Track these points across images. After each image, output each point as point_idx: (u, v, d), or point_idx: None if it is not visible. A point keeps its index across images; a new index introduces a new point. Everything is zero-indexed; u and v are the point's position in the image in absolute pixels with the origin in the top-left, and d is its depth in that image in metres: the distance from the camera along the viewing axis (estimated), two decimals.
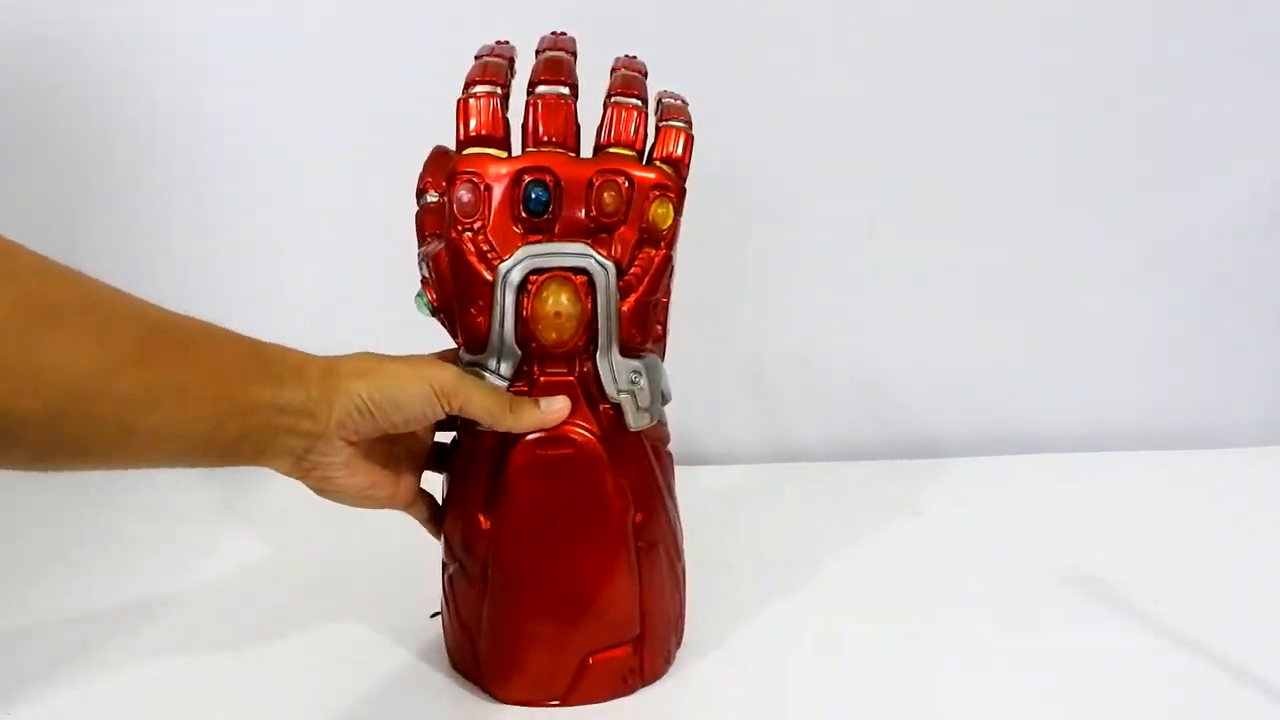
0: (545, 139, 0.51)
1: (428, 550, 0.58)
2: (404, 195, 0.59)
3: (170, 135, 0.85)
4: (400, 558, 0.56)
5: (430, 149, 0.59)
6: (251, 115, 0.85)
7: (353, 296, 0.87)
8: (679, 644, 0.59)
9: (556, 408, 0.52)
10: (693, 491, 0.60)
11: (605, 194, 0.51)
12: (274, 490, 0.81)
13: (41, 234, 0.81)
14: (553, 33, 0.56)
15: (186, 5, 0.82)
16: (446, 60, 0.55)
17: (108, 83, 0.83)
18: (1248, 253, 0.92)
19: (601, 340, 0.52)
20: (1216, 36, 0.86)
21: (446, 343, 0.56)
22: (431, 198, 0.57)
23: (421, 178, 0.58)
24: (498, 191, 0.51)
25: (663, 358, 0.56)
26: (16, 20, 0.81)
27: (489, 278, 0.51)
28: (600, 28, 0.57)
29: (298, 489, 0.52)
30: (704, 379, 0.90)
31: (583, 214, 0.52)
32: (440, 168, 0.57)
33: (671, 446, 0.57)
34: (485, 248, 0.51)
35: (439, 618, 0.60)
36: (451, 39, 0.56)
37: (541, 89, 0.52)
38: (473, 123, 0.51)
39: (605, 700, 0.56)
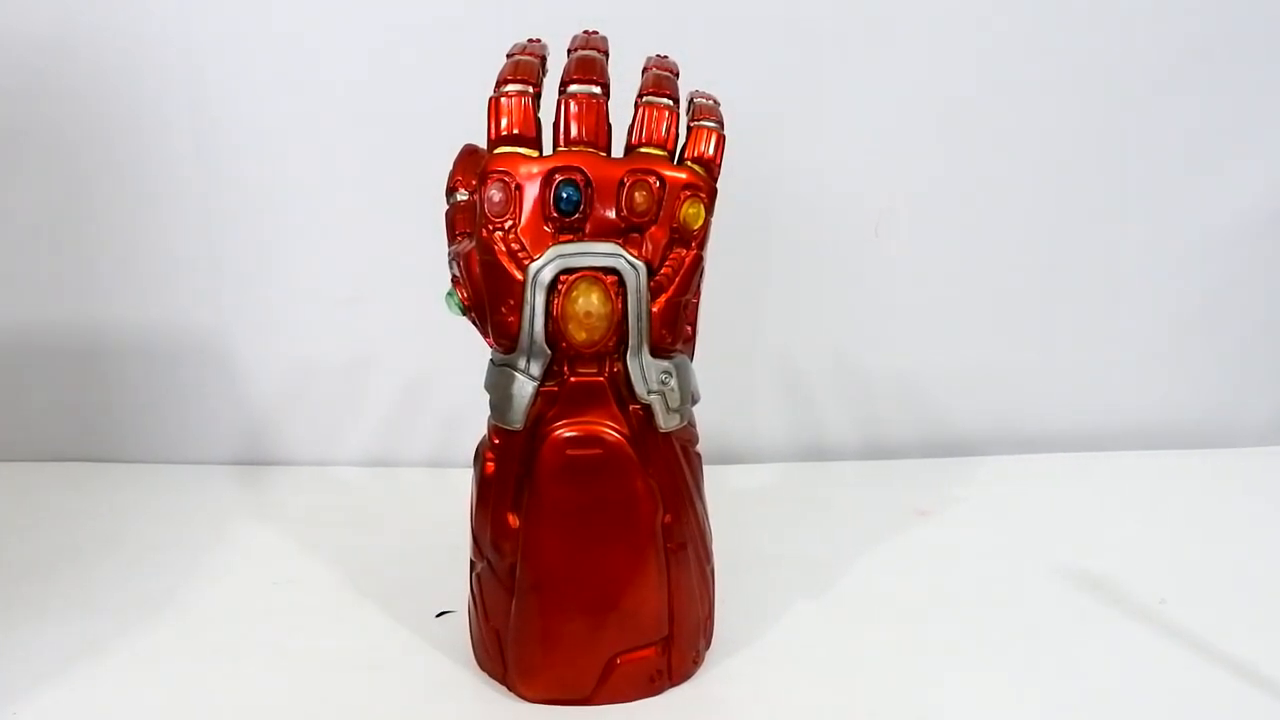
0: (577, 138, 0.51)
1: (446, 548, 0.58)
2: (424, 195, 0.59)
3: (178, 136, 0.84)
4: (418, 555, 0.56)
5: (460, 147, 0.59)
6: (265, 115, 0.84)
7: (368, 298, 0.87)
8: (707, 645, 0.59)
9: None
10: (722, 491, 0.60)
11: (636, 194, 0.51)
12: (285, 488, 0.83)
13: (50, 239, 0.84)
14: (585, 31, 0.56)
15: (197, 3, 0.82)
16: (473, 59, 0.55)
17: (116, 83, 0.82)
18: (1257, 251, 0.91)
19: (632, 341, 0.52)
20: (1221, 36, 0.86)
21: (472, 340, 0.55)
22: (461, 196, 0.57)
23: (451, 176, 0.58)
24: (529, 191, 0.51)
25: (692, 358, 0.56)
26: (26, 22, 0.81)
27: (519, 277, 0.51)
28: (631, 27, 0.57)
29: (309, 486, 0.51)
30: (732, 378, 0.90)
31: (614, 214, 0.51)
32: (470, 166, 0.57)
33: (700, 446, 0.57)
34: (516, 247, 0.51)
35: (446, 617, 0.60)
36: (481, 37, 0.56)
37: (573, 88, 0.51)
38: (504, 121, 0.51)
39: (632, 701, 0.56)
